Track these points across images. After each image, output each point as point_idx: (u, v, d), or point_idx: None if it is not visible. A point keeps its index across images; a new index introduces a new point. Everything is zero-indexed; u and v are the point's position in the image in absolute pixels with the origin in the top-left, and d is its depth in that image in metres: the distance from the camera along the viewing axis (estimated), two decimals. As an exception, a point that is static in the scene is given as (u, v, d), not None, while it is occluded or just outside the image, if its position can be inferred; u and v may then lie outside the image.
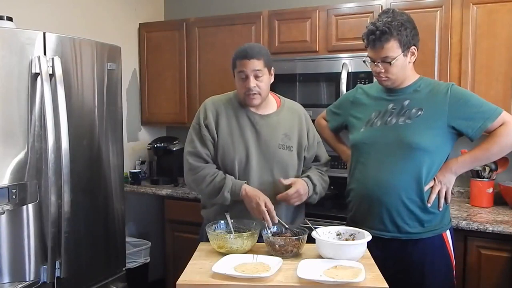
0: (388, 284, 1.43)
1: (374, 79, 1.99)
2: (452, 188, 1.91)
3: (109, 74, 2.37)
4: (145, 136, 3.79)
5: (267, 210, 1.80)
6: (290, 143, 1.96)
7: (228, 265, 1.53)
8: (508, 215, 2.50)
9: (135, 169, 3.59)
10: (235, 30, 3.22)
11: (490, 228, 2.28)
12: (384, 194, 1.86)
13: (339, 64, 2.80)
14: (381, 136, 1.90)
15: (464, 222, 2.34)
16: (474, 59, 2.59)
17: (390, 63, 1.82)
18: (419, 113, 1.85)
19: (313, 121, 2.17)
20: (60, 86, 2.01)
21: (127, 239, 2.93)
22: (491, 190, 2.70)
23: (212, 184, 1.89)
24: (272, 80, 1.97)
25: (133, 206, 3.52)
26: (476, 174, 2.72)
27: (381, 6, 2.76)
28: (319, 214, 2.56)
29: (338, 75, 2.78)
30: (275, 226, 1.78)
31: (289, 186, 1.89)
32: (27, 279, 1.98)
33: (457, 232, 2.10)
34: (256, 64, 1.86)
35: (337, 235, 1.73)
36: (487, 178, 2.70)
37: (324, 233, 1.71)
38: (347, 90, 2.61)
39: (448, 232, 1.91)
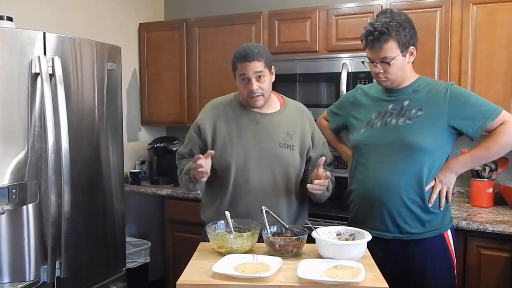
0: (389, 284, 1.42)
1: (374, 80, 1.99)
2: (452, 188, 1.91)
3: (109, 74, 2.37)
4: (145, 136, 3.79)
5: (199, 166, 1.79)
6: (291, 142, 1.96)
7: (228, 265, 1.52)
8: (508, 215, 2.50)
9: (135, 169, 3.59)
10: (235, 30, 3.22)
11: (490, 228, 2.28)
12: (385, 195, 1.86)
13: (339, 64, 2.80)
14: (381, 136, 1.90)
15: (464, 222, 2.34)
16: (474, 59, 2.59)
17: (389, 63, 1.82)
18: (419, 113, 1.85)
19: (313, 121, 2.17)
20: (60, 86, 2.01)
21: (127, 239, 2.93)
22: (491, 190, 2.70)
23: (181, 174, 1.99)
24: (273, 78, 1.96)
25: (133, 206, 3.52)
26: (476, 174, 2.72)
27: (381, 6, 2.76)
28: (319, 214, 2.56)
29: (338, 75, 2.78)
30: (275, 226, 1.78)
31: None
32: (27, 279, 1.98)
33: (457, 232, 2.10)
34: (257, 65, 1.86)
35: (337, 235, 1.73)
36: (487, 178, 2.70)
37: (324, 233, 1.71)
38: (347, 90, 2.61)
39: (449, 231, 1.91)
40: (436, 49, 2.67)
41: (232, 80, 1.98)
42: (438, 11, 2.66)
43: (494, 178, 2.71)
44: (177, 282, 1.46)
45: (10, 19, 2.19)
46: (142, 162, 3.67)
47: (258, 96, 1.89)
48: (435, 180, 1.86)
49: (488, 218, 2.44)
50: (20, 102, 1.92)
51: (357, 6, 2.88)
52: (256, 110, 1.97)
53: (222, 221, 1.81)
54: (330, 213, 2.62)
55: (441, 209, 1.88)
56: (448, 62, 2.66)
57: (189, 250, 1.76)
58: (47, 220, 2.01)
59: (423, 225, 1.86)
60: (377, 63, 1.84)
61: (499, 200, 2.73)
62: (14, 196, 1.88)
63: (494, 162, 2.65)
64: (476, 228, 2.31)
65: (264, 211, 1.75)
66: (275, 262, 1.54)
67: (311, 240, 1.68)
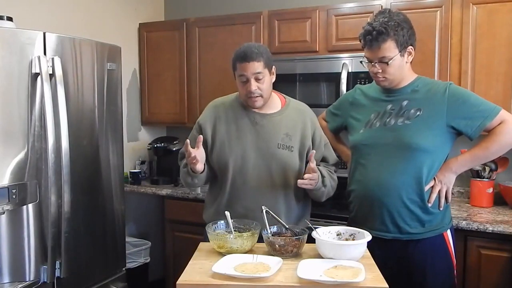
0: (389, 284, 1.42)
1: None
2: (452, 188, 1.91)
3: (109, 74, 2.37)
4: (145, 136, 3.79)
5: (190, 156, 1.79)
6: (290, 143, 1.94)
7: (228, 265, 1.52)
8: (508, 215, 2.50)
9: (135, 169, 3.59)
10: (235, 30, 3.22)
11: (490, 228, 2.28)
12: (384, 195, 1.86)
13: (339, 64, 2.80)
14: (380, 137, 1.90)
15: (464, 222, 2.34)
16: (474, 59, 2.59)
17: (387, 63, 1.82)
18: (418, 113, 1.85)
19: (313, 121, 2.17)
20: (60, 86, 2.01)
21: (127, 239, 2.93)
22: (491, 190, 2.70)
23: (181, 170, 2.01)
24: (274, 79, 1.96)
25: (133, 206, 3.52)
26: (476, 174, 2.72)
27: (381, 6, 2.76)
28: (319, 214, 2.55)
29: (338, 75, 2.78)
30: (275, 226, 1.78)
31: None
32: (27, 279, 1.98)
33: (457, 232, 2.10)
34: (256, 66, 1.85)
35: (337, 235, 1.73)
36: (487, 178, 2.70)
37: (324, 233, 1.71)
38: (347, 90, 2.61)
39: (449, 231, 1.92)
40: (436, 49, 2.67)
41: (232, 80, 1.98)
42: (438, 11, 2.66)
43: (494, 178, 2.71)
44: (177, 282, 1.46)
45: (10, 19, 2.19)
46: (142, 162, 3.67)
47: (257, 96, 1.89)
48: (435, 180, 1.86)
49: (488, 218, 2.44)
50: (20, 102, 1.92)
51: (357, 6, 2.88)
52: (256, 110, 1.96)
53: (222, 221, 1.81)
54: (330, 213, 2.62)
55: (441, 209, 1.88)
56: (448, 62, 2.66)
57: (189, 250, 1.76)
58: (47, 220, 2.01)
59: (422, 225, 1.86)
60: (376, 62, 1.84)
61: (499, 200, 2.73)
62: (14, 196, 1.88)
63: (494, 162, 2.65)
64: (476, 228, 2.31)
65: (264, 211, 1.75)
66: (275, 262, 1.54)
67: (311, 240, 1.68)
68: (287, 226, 1.78)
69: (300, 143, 1.96)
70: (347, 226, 1.88)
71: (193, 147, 1.82)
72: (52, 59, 2.00)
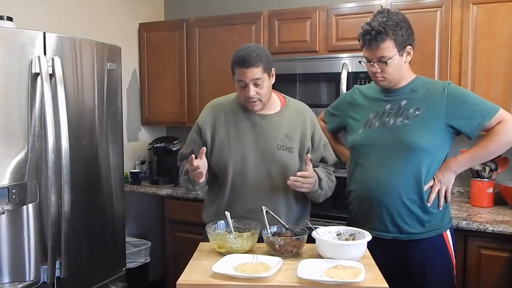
0: (389, 284, 1.43)
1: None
2: (452, 188, 1.91)
3: (109, 74, 2.37)
4: (145, 136, 3.79)
5: (195, 168, 1.79)
6: (290, 144, 1.93)
7: (228, 265, 1.52)
8: (508, 215, 2.50)
9: (135, 169, 3.59)
10: (235, 30, 3.22)
11: (490, 228, 2.28)
12: (384, 195, 1.86)
13: (339, 64, 2.80)
14: (379, 137, 1.90)
15: (464, 222, 2.34)
16: (474, 59, 2.59)
17: (386, 63, 1.82)
18: (417, 113, 1.85)
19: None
20: (60, 86, 2.01)
21: (127, 239, 2.93)
22: (491, 190, 2.70)
23: (181, 175, 2.01)
24: (273, 80, 1.94)
25: (133, 206, 3.52)
26: (476, 174, 2.72)
27: (381, 6, 2.76)
28: (319, 214, 2.55)
29: (338, 75, 2.78)
30: (275, 226, 1.78)
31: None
32: (27, 279, 1.98)
33: (457, 232, 2.10)
34: (255, 72, 1.82)
35: (337, 235, 1.73)
36: (487, 178, 2.70)
37: (324, 233, 1.71)
38: (347, 90, 2.61)
39: (448, 231, 1.91)
40: (436, 49, 2.67)
41: (232, 80, 1.98)
42: (438, 11, 2.66)
43: (494, 178, 2.71)
44: (177, 282, 1.46)
45: (10, 19, 2.18)
46: (142, 162, 3.67)
47: (255, 101, 1.87)
48: (434, 179, 1.86)
49: (488, 218, 2.44)
50: (20, 102, 1.92)
51: (357, 6, 2.88)
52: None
53: (222, 221, 1.81)
54: (330, 213, 2.62)
55: (440, 208, 1.88)
56: (448, 62, 2.66)
57: (189, 250, 1.76)
58: (47, 220, 2.01)
59: (422, 225, 1.86)
60: (374, 62, 1.84)
61: (499, 200, 2.73)
62: (14, 196, 1.88)
63: (494, 162, 2.65)
64: (476, 228, 2.31)
65: (264, 211, 1.75)
66: (275, 262, 1.54)
67: (311, 240, 1.68)
68: (287, 226, 1.78)
69: (300, 143, 1.95)
70: (347, 226, 1.88)
71: (196, 152, 1.85)
72: (52, 59, 2.00)
